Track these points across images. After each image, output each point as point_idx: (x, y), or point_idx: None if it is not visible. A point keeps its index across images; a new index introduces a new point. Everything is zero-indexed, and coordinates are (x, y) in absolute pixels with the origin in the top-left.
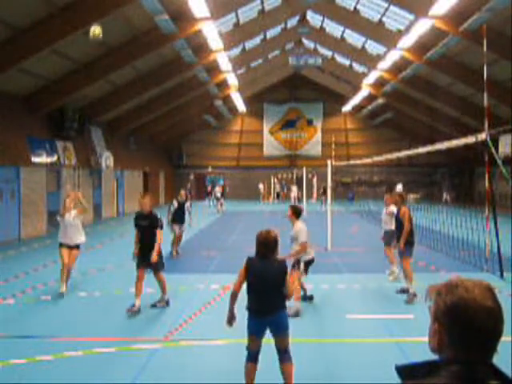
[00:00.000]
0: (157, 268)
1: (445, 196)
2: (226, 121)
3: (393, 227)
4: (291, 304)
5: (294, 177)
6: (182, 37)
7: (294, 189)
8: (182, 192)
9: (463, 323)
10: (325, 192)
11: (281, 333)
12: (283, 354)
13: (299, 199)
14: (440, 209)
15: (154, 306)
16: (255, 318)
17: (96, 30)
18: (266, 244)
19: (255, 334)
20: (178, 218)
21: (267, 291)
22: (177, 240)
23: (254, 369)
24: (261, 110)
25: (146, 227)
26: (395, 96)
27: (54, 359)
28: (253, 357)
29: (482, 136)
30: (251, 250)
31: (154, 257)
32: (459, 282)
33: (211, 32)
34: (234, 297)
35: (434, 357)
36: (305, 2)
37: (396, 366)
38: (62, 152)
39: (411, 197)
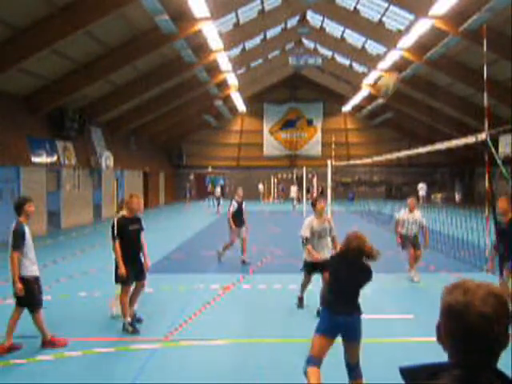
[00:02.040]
0: (143, 276)
1: (457, 197)
2: (225, 121)
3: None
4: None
5: (294, 177)
6: (182, 37)
7: (294, 189)
8: (240, 191)
9: (454, 324)
10: (322, 192)
11: (352, 339)
12: (354, 368)
13: (299, 199)
14: (440, 209)
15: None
16: (329, 315)
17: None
18: (355, 248)
19: (324, 332)
20: (238, 220)
21: (346, 289)
22: (244, 245)
23: (318, 374)
24: (261, 110)
25: (135, 232)
26: (395, 96)
27: (53, 359)
28: (318, 361)
29: (482, 136)
30: (251, 250)
31: (148, 263)
32: (462, 283)
33: (211, 32)
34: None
35: (434, 358)
36: (305, 1)
37: (400, 367)
38: (62, 152)
39: (438, 196)
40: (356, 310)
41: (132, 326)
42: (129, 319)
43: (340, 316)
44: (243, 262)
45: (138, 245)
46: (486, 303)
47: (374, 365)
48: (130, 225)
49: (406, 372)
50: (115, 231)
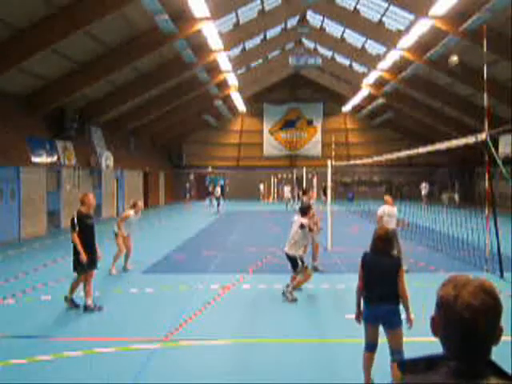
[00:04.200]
0: (96, 266)
1: (456, 197)
2: (225, 121)
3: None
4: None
5: (294, 177)
6: (181, 37)
7: (287, 189)
8: (312, 193)
9: (445, 316)
10: (325, 191)
11: (390, 327)
12: (393, 353)
13: (299, 199)
14: (440, 209)
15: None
16: (367, 306)
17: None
18: (382, 239)
19: (366, 320)
20: None
21: (377, 282)
22: (316, 251)
23: (370, 358)
24: (261, 110)
25: (91, 226)
26: (395, 96)
27: (53, 359)
28: (369, 347)
29: (482, 136)
30: (251, 250)
31: (100, 253)
32: (455, 277)
33: (211, 32)
34: (358, 293)
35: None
36: (305, 2)
37: (398, 360)
38: (62, 152)
39: (445, 197)
40: (390, 301)
41: (72, 302)
42: (73, 295)
43: (375, 307)
44: (315, 269)
45: (92, 238)
46: (475, 296)
47: (373, 365)
48: (88, 219)
49: (404, 364)
50: (75, 223)
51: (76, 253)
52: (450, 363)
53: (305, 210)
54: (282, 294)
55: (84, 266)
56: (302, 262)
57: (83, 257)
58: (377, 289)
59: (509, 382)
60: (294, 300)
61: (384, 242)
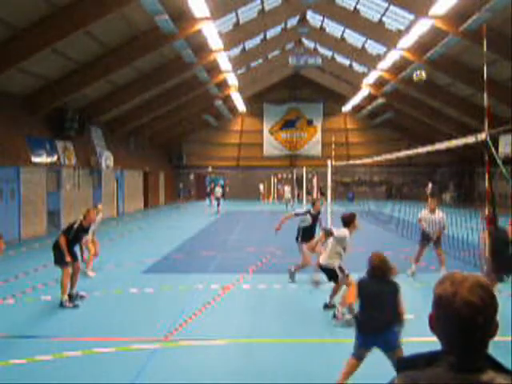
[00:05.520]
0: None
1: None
2: (225, 121)
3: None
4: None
5: (294, 177)
6: (181, 37)
7: (287, 189)
8: (318, 203)
9: (444, 313)
10: (321, 191)
11: (389, 350)
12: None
13: (299, 197)
14: (442, 209)
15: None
16: (361, 334)
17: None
18: (378, 267)
19: (360, 345)
20: (308, 235)
21: (376, 311)
22: (303, 264)
23: (355, 365)
24: (261, 109)
25: (83, 236)
26: (395, 96)
27: (53, 359)
28: (356, 356)
29: (482, 136)
30: (251, 250)
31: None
32: (451, 274)
33: (211, 32)
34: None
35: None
36: (305, 1)
37: (398, 358)
38: (62, 152)
39: (448, 196)
40: (387, 326)
41: (71, 302)
42: (66, 297)
43: (370, 335)
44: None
45: (78, 243)
46: (473, 293)
47: (374, 365)
48: (83, 232)
49: (404, 361)
50: (73, 231)
51: (59, 250)
52: (448, 358)
53: (347, 221)
54: (332, 317)
55: (67, 263)
56: (342, 271)
57: (68, 258)
58: (375, 318)
59: (506, 375)
60: (349, 323)
61: (381, 270)
